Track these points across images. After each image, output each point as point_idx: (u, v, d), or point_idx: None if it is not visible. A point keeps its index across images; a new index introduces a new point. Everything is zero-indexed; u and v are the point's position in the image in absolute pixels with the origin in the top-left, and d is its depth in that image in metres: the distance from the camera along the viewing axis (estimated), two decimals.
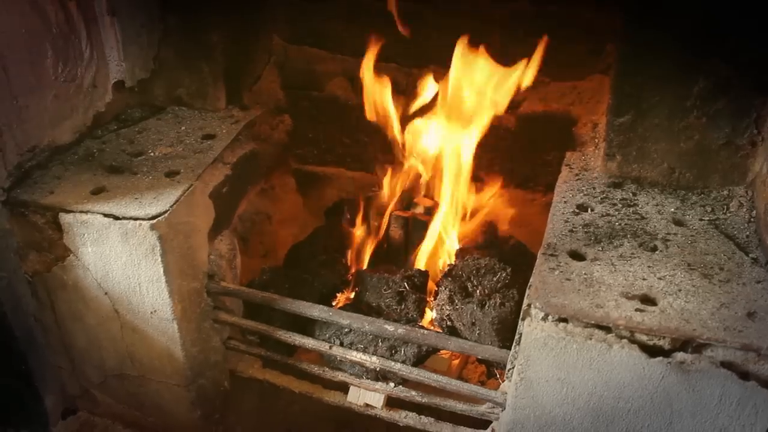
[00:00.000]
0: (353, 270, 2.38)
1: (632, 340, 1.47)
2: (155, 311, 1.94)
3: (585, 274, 1.60)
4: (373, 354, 1.95)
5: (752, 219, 1.78)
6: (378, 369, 1.95)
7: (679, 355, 1.44)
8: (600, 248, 1.69)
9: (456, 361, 2.19)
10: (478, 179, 2.43)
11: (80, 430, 2.27)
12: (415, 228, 2.37)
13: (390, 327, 1.90)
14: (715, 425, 1.49)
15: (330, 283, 2.28)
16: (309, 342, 2.02)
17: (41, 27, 1.93)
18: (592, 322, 1.48)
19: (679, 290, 1.54)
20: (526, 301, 1.57)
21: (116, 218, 1.81)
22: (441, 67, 2.23)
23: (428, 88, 2.32)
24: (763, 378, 1.42)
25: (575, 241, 1.72)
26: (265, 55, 2.60)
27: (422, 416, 1.98)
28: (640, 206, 1.86)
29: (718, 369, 1.42)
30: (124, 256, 1.85)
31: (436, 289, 2.09)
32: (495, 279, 1.95)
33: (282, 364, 2.12)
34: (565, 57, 2.28)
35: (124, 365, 2.10)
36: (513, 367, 1.67)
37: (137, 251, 1.83)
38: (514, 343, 1.67)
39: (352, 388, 2.03)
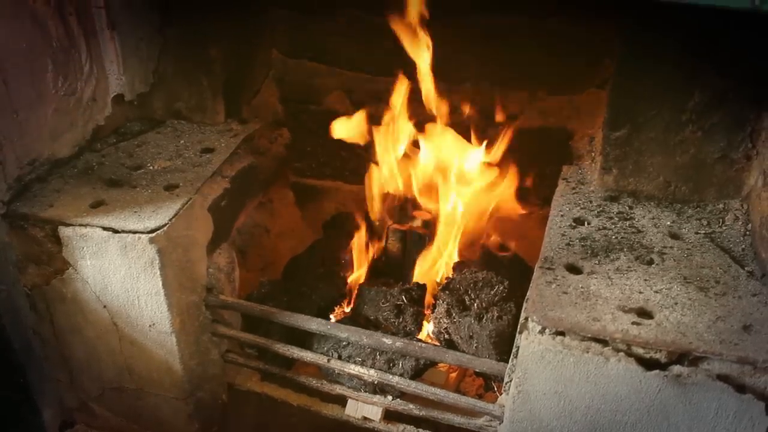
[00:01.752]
0: (351, 283, 2.39)
1: (629, 354, 1.47)
2: (154, 324, 1.94)
3: (582, 287, 1.61)
4: (371, 367, 1.96)
5: (747, 232, 1.79)
6: (376, 382, 1.95)
7: (676, 368, 1.45)
8: (597, 262, 1.70)
9: (454, 374, 2.19)
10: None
11: None
12: (413, 241, 2.38)
13: (388, 340, 1.91)
14: None
15: (328, 296, 2.28)
16: (307, 355, 2.02)
17: (42, 41, 1.94)
18: (589, 335, 1.49)
19: (676, 303, 1.55)
20: (523, 315, 1.58)
21: (115, 231, 1.82)
22: (439, 81, 2.25)
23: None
24: (759, 391, 1.42)
25: (572, 255, 1.73)
26: (264, 68, 2.62)
27: (420, 429, 1.98)
28: (636, 220, 1.87)
29: (715, 382, 1.43)
30: (123, 270, 1.86)
31: (434, 302, 2.10)
32: (492, 292, 1.96)
33: (280, 377, 2.12)
34: (562, 71, 2.29)
35: (123, 378, 2.10)
36: (510, 381, 1.67)
37: (136, 264, 1.84)
38: (511, 357, 1.68)
39: (350, 401, 2.03)
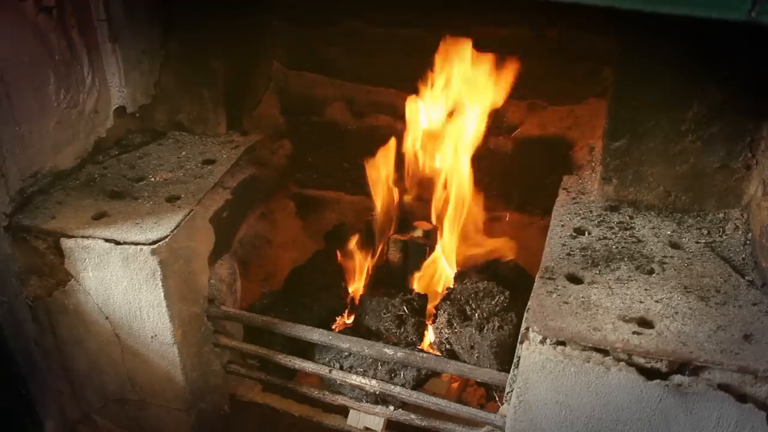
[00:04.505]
0: (352, 294, 2.39)
1: (630, 363, 1.47)
2: (156, 336, 1.94)
3: (582, 297, 1.61)
4: (372, 377, 1.96)
5: (748, 241, 1.80)
6: (377, 392, 1.95)
7: (677, 378, 1.45)
8: (597, 271, 1.70)
9: (455, 384, 2.20)
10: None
11: None
12: (414, 251, 2.38)
13: (389, 350, 1.91)
14: None
15: (329, 306, 2.29)
16: (309, 366, 2.03)
17: (44, 54, 1.95)
18: (590, 345, 1.49)
19: (676, 313, 1.55)
20: (524, 325, 1.58)
21: (117, 243, 1.82)
22: None
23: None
24: (760, 400, 1.43)
25: (573, 265, 1.73)
26: (265, 80, 2.63)
27: None
28: (636, 229, 1.87)
29: (716, 391, 1.43)
30: (125, 281, 1.86)
31: (435, 312, 2.10)
32: (493, 302, 1.96)
33: (282, 387, 2.12)
34: (562, 81, 2.30)
35: (125, 389, 2.11)
36: (512, 390, 1.67)
37: (138, 276, 1.85)
38: (512, 366, 1.68)
39: (351, 411, 2.03)
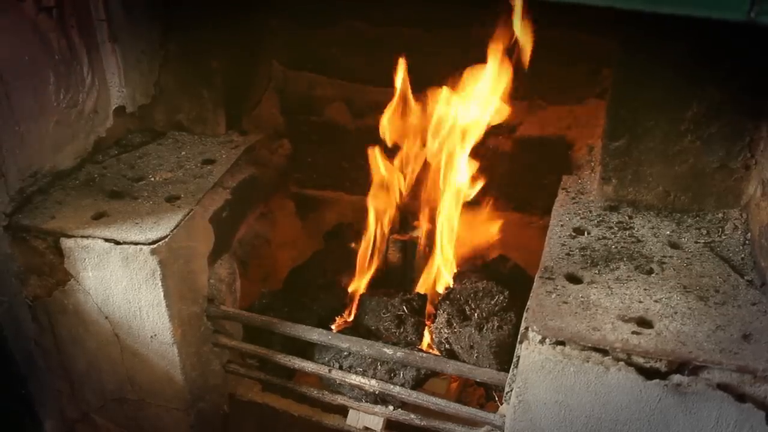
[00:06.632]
0: (352, 293, 2.39)
1: (629, 363, 1.48)
2: (155, 335, 1.94)
3: (582, 297, 1.61)
4: (372, 377, 1.96)
5: (747, 241, 1.80)
6: (377, 392, 1.95)
7: (676, 378, 1.45)
8: (596, 271, 1.71)
9: (455, 384, 2.20)
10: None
11: None
12: (414, 251, 2.38)
13: (389, 350, 1.91)
14: None
15: (329, 306, 2.29)
16: (308, 365, 2.03)
17: (44, 54, 1.95)
18: (589, 345, 1.49)
19: (675, 313, 1.55)
20: (523, 324, 1.58)
21: (117, 243, 1.82)
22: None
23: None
24: (760, 400, 1.42)
25: (572, 264, 1.73)
26: (265, 80, 2.63)
27: None
28: (636, 229, 1.87)
29: (715, 391, 1.43)
30: (124, 281, 1.86)
31: (435, 312, 2.10)
32: (493, 302, 1.96)
33: (281, 387, 2.12)
34: (561, 81, 2.30)
35: (124, 389, 2.11)
36: (511, 390, 1.67)
37: (138, 276, 1.85)
38: (512, 366, 1.68)
39: (351, 411, 2.03)
